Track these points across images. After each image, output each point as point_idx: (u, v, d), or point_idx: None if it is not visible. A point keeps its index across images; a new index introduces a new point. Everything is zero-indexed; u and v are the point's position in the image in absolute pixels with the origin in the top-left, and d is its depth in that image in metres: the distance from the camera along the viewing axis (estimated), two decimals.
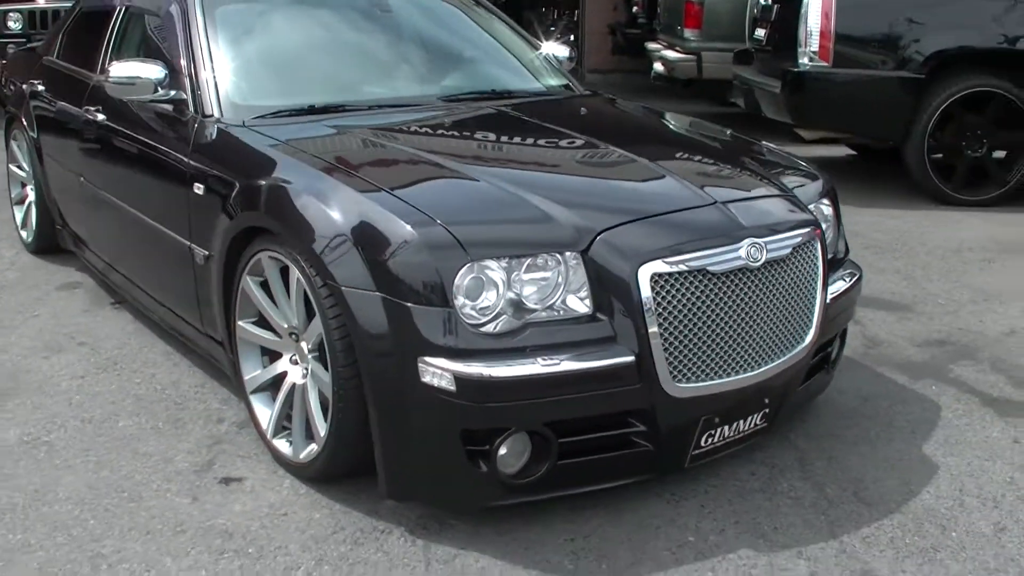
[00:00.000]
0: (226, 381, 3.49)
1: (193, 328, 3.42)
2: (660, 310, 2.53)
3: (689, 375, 2.58)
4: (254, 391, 3.05)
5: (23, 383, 3.53)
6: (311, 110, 3.34)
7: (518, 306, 2.48)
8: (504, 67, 3.95)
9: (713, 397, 2.65)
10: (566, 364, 2.44)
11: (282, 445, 2.93)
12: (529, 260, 2.49)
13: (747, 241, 2.68)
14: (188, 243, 3.25)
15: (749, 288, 2.67)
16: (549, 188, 2.78)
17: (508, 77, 3.88)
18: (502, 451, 2.48)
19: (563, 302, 2.52)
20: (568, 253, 2.52)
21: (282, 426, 2.94)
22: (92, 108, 3.95)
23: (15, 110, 4.96)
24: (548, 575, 2.46)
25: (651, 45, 9.51)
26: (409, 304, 2.43)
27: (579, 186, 2.92)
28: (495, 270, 2.47)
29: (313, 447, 2.79)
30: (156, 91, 3.35)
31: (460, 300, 2.43)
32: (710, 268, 2.61)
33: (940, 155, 6.38)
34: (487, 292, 2.47)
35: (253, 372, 3.06)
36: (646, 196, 2.83)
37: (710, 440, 2.73)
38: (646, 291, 2.52)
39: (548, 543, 2.59)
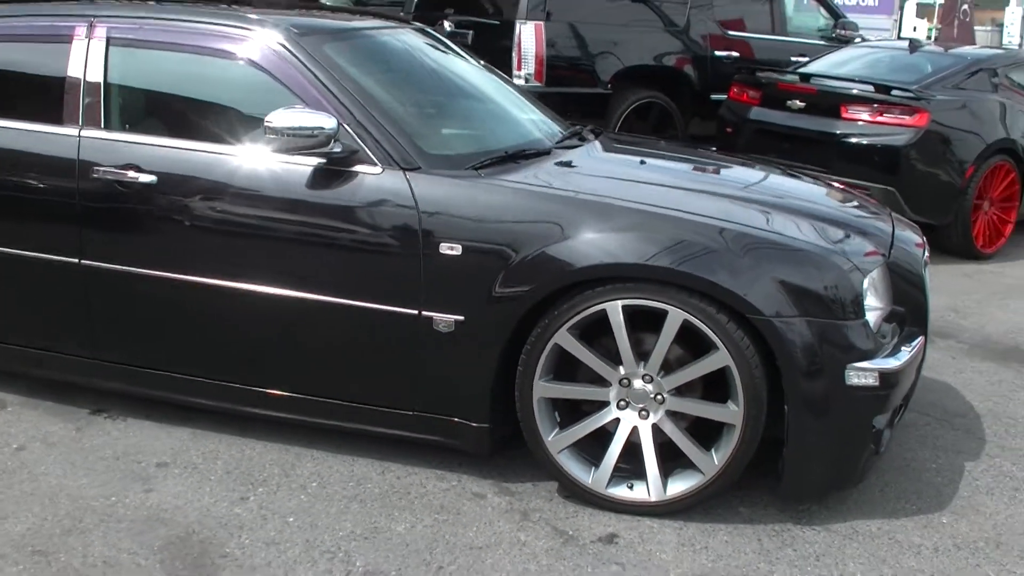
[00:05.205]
0: (402, 456, 3.17)
1: (390, 412, 3.04)
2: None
3: None
4: (561, 450, 2.93)
5: (188, 528, 2.77)
6: (508, 157, 3.19)
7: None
8: (534, 105, 4.02)
9: None
10: (917, 348, 2.98)
11: (621, 491, 2.91)
12: (874, 271, 2.94)
13: None
14: (415, 312, 2.91)
15: None
16: (795, 209, 3.18)
17: (547, 115, 3.98)
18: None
19: (872, 300, 3.02)
20: (883, 259, 3.03)
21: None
22: (114, 169, 3.11)
23: None
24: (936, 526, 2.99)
25: None
26: (838, 321, 2.73)
27: (815, 204, 3.32)
28: (865, 281, 2.87)
29: (685, 483, 2.87)
30: (330, 143, 2.91)
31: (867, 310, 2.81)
32: None
33: None
34: None
35: (553, 432, 2.94)
36: (850, 207, 3.41)
37: None
38: (926, 279, 3.17)
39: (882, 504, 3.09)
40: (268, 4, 3.72)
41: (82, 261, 3.20)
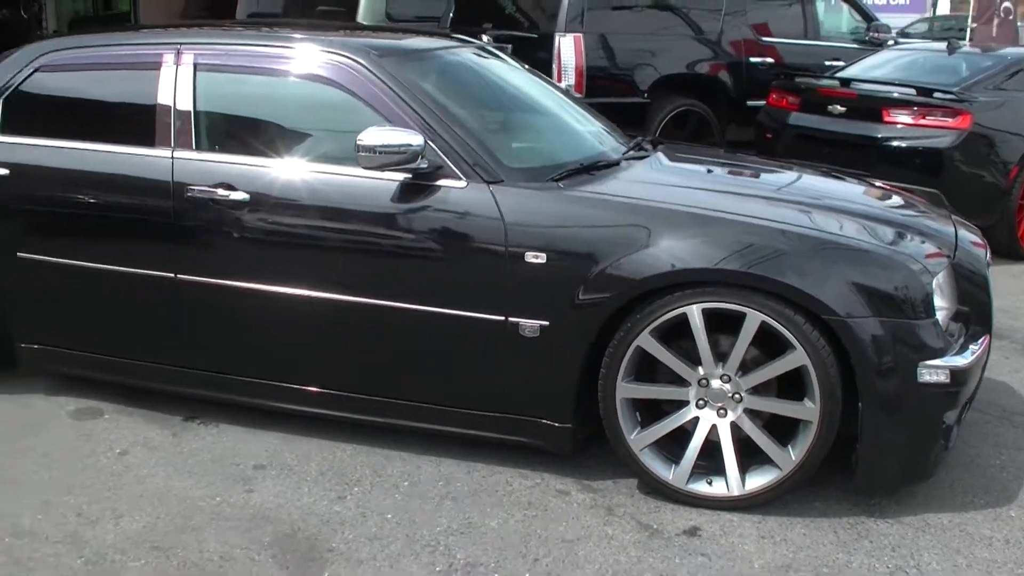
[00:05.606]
0: (485, 456, 3.32)
1: (477, 415, 3.19)
2: None
3: None
4: (643, 448, 3.07)
5: (293, 526, 2.93)
6: (583, 168, 3.34)
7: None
8: (593, 117, 4.16)
9: None
10: (983, 346, 3.10)
11: (702, 487, 3.04)
12: (941, 272, 3.06)
13: None
14: (502, 318, 3.06)
15: None
16: (863, 213, 3.31)
17: (606, 126, 4.11)
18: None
19: (939, 301, 3.12)
20: (948, 260, 3.15)
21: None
22: (208, 188, 3.29)
23: None
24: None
25: None
26: (909, 320, 2.86)
27: (880, 208, 3.48)
28: (933, 281, 2.99)
29: (762, 477, 3.00)
30: (417, 160, 3.07)
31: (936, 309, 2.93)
32: None
33: None
34: None
35: (635, 431, 3.07)
36: (913, 211, 3.54)
37: None
38: (990, 279, 3.30)
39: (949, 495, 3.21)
40: (310, 24, 3.90)
41: (178, 276, 3.38)
